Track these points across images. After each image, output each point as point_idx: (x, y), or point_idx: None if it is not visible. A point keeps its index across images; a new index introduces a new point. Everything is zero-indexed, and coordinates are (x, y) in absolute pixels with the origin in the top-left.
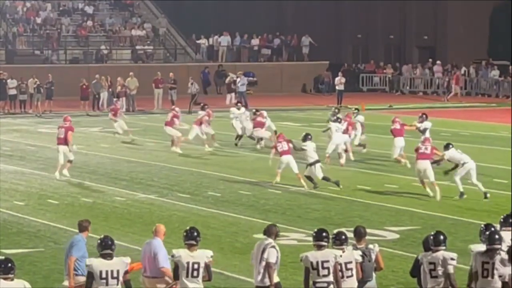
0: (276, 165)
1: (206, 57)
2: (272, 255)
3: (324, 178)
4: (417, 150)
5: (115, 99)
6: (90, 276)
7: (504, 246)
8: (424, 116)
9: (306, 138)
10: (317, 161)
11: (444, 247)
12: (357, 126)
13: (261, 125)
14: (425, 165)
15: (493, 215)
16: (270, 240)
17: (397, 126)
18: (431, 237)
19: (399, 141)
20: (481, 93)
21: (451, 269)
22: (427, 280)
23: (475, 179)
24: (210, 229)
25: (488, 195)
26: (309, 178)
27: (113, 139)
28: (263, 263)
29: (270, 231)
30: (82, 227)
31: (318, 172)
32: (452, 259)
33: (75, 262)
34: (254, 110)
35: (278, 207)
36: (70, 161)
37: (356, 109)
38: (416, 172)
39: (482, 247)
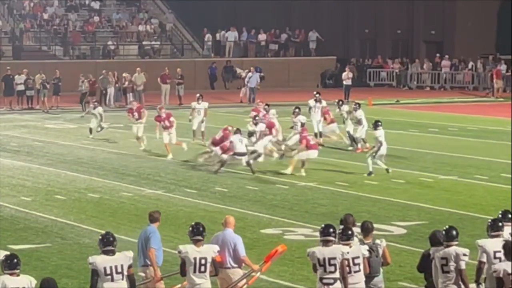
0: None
1: (213, 53)
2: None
3: (248, 163)
4: (306, 143)
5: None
6: (95, 273)
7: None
8: (297, 110)
9: (236, 132)
10: (243, 154)
11: (456, 242)
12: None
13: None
14: (315, 153)
15: (500, 209)
16: None
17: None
18: (444, 232)
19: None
20: (488, 87)
21: (463, 265)
22: (438, 275)
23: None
24: (217, 225)
25: (390, 170)
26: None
27: (120, 134)
28: None
29: (347, 221)
30: (154, 218)
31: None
32: (464, 255)
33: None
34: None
35: (285, 202)
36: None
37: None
38: (303, 158)
39: (489, 242)
